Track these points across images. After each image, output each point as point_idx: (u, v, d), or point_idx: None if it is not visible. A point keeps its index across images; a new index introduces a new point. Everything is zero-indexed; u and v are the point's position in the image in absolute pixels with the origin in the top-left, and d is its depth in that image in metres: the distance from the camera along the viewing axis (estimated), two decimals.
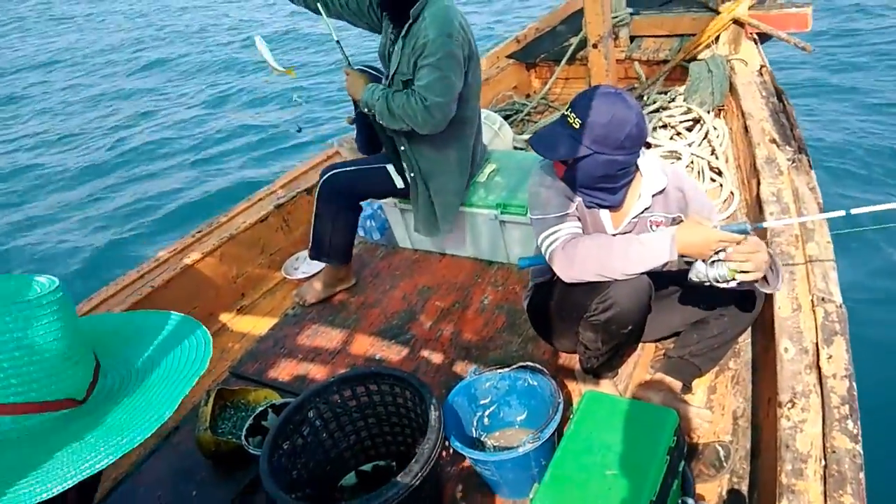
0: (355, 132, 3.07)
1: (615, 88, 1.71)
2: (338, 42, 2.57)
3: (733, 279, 1.59)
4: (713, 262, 1.61)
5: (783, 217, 2.16)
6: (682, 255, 1.66)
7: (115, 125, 8.08)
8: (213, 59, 10.40)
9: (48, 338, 0.84)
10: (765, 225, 1.77)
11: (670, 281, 2.00)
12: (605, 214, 1.85)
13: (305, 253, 3.14)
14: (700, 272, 1.63)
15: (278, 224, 3.14)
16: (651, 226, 1.85)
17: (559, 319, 1.96)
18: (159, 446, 2.15)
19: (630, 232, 1.86)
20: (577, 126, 1.65)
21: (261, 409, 2.06)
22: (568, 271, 1.72)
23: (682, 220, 1.78)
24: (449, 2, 2.36)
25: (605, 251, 1.68)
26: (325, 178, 2.61)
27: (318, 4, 2.56)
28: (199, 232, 2.94)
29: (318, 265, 2.91)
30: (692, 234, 1.62)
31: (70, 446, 0.80)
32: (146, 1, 15.80)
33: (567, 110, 1.68)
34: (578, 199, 1.81)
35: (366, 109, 2.45)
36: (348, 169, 2.64)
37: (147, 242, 5.14)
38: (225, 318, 2.85)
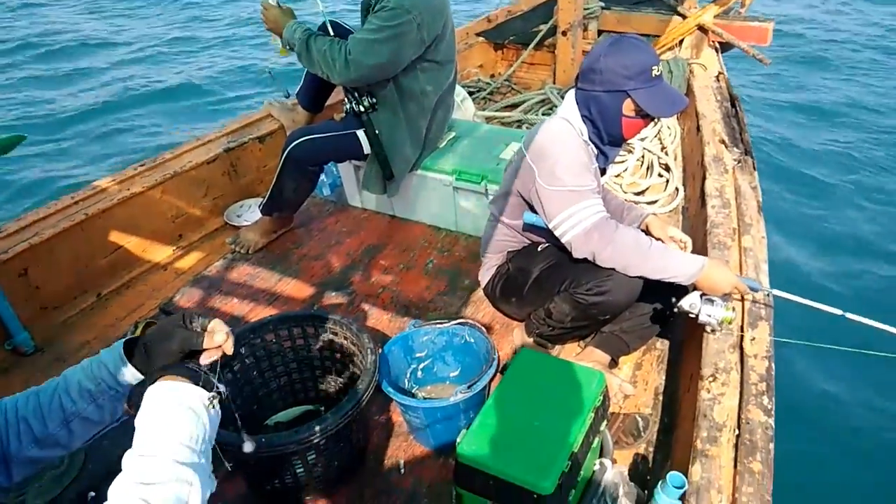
0: (301, 84, 3.06)
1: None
2: None
3: (727, 323, 1.69)
4: (709, 299, 1.70)
5: (724, 210, 2.25)
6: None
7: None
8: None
9: None
10: (775, 292, 1.81)
11: None
12: None
13: (251, 202, 3.08)
14: (695, 304, 1.71)
15: (225, 168, 3.04)
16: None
17: (536, 288, 1.97)
18: None
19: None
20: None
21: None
22: (599, 249, 1.73)
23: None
24: None
25: (642, 250, 1.72)
26: (294, 144, 2.57)
27: None
28: (142, 165, 2.82)
29: (260, 214, 2.86)
30: (719, 272, 1.71)
31: None
32: None
33: (655, 67, 1.71)
34: (594, 166, 1.85)
35: (287, 47, 2.48)
36: (318, 136, 2.61)
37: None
38: (159, 255, 2.76)
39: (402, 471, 1.75)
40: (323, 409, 1.91)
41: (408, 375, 1.90)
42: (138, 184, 2.70)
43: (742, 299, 1.83)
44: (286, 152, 2.57)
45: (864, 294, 3.70)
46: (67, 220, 2.45)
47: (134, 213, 2.67)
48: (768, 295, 1.83)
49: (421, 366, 1.91)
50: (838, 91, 6.71)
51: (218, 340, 1.10)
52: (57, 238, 2.39)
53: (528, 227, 1.97)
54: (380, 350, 1.79)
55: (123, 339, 1.14)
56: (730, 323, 1.71)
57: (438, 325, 1.89)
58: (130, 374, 1.12)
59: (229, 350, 1.12)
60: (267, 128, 3.18)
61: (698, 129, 2.95)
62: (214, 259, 2.73)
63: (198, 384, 1.01)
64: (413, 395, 1.89)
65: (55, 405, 1.09)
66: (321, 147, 2.61)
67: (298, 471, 1.53)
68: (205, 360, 1.10)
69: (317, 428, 1.42)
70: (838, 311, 1.75)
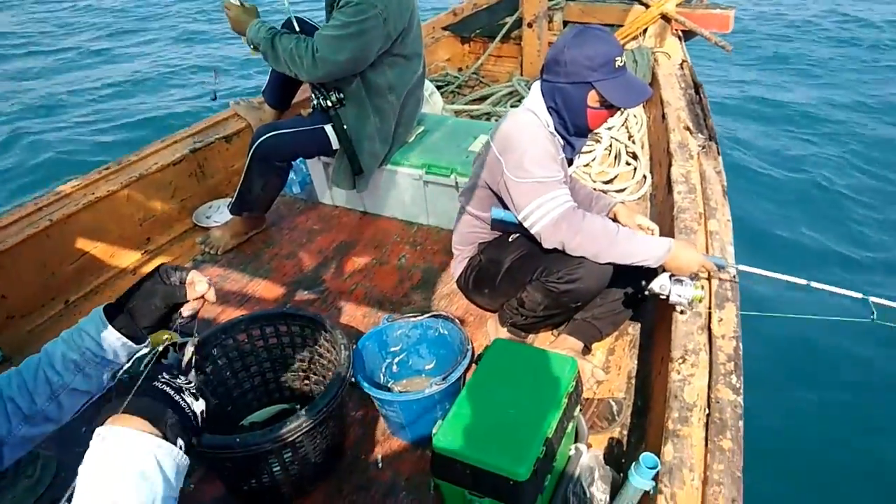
0: (266, 82, 3.03)
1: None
2: None
3: (698, 301, 1.72)
4: (678, 279, 1.72)
5: (690, 196, 2.29)
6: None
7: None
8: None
9: None
10: (741, 267, 1.84)
11: None
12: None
13: (219, 202, 3.05)
14: (664, 285, 1.73)
15: (192, 169, 3.00)
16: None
17: (508, 278, 1.98)
18: None
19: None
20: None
21: (162, 347, 1.98)
22: (568, 238, 1.74)
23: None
24: None
25: (609, 237, 1.74)
26: (261, 140, 2.55)
27: None
28: (107, 169, 2.77)
29: (230, 215, 2.83)
30: (686, 253, 1.74)
31: None
32: None
33: (618, 58, 1.73)
34: (560, 157, 1.86)
35: (251, 47, 2.46)
36: (285, 132, 2.59)
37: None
38: (127, 260, 2.71)
39: (381, 465, 1.75)
40: (298, 407, 1.90)
41: (383, 370, 1.90)
42: (103, 188, 2.65)
43: (709, 277, 1.87)
44: (253, 149, 2.55)
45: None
46: (32, 227, 2.40)
47: (100, 217, 2.62)
48: (734, 276, 1.87)
49: (396, 360, 1.91)
50: (791, 81, 6.85)
51: (200, 290, 1.12)
52: (21, 245, 2.34)
53: (497, 223, 1.99)
54: (354, 346, 1.80)
55: (102, 306, 1.12)
56: (700, 301, 1.75)
57: (412, 319, 1.89)
58: (115, 338, 1.10)
59: (211, 298, 1.14)
60: (233, 127, 3.14)
61: (664, 116, 2.99)
62: (184, 261, 2.69)
63: (162, 418, 0.85)
64: (389, 390, 1.90)
65: (40, 380, 1.08)
66: (288, 142, 2.58)
67: (275, 470, 1.52)
68: (187, 311, 1.12)
69: (292, 426, 1.41)
70: (803, 281, 1.79)
